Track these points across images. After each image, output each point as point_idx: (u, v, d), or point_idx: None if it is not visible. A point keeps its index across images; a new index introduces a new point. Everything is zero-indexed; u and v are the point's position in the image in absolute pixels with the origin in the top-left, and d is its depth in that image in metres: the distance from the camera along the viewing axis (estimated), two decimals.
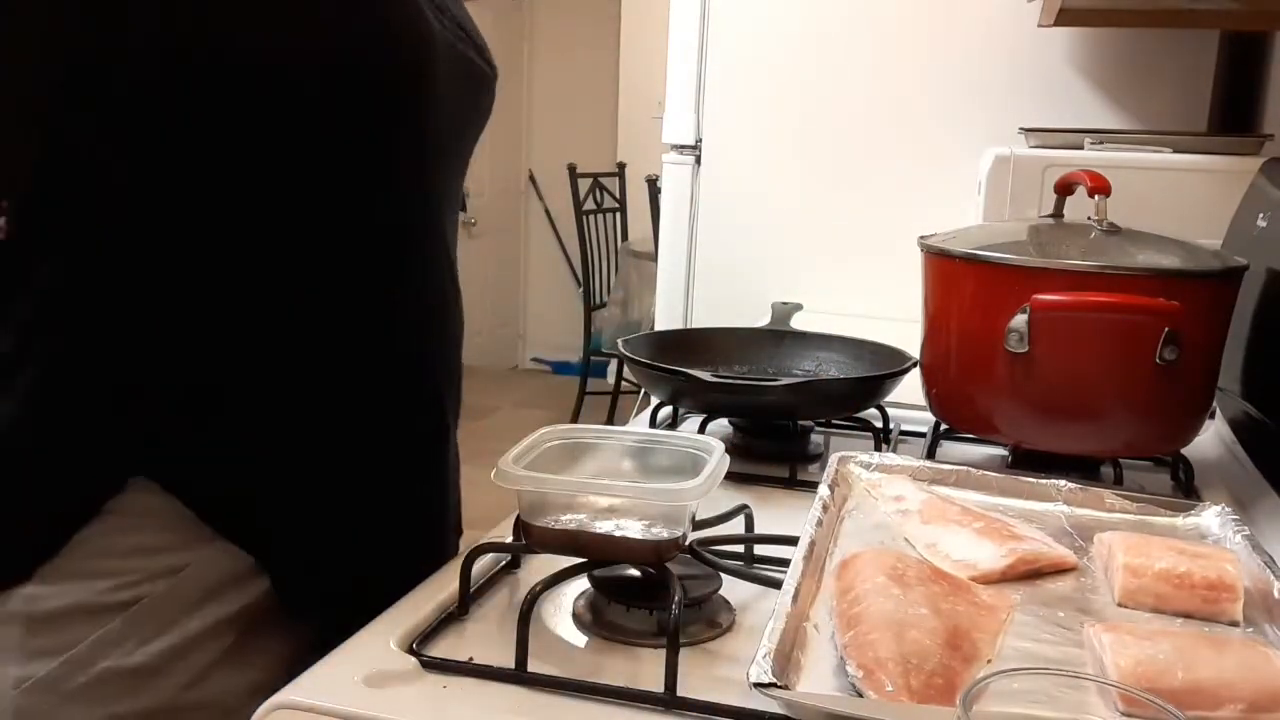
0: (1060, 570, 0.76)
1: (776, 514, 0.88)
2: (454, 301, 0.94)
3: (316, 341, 0.81)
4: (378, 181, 0.82)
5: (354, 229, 0.81)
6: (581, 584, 0.73)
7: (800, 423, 1.09)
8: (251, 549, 0.80)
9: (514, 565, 0.80)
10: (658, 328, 2.05)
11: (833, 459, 0.91)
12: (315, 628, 0.78)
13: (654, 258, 2.14)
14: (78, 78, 0.71)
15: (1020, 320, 0.93)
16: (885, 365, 1.12)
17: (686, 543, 0.72)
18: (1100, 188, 1.01)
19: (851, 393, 1.10)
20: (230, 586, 0.79)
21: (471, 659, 0.66)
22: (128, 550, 0.76)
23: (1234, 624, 0.69)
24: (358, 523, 0.85)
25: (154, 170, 0.73)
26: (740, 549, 0.81)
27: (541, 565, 0.78)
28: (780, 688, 0.57)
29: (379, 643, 0.68)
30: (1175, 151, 1.54)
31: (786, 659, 0.61)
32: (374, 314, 0.84)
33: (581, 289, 4.86)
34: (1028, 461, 1.01)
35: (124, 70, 0.71)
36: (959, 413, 1.05)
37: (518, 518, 0.74)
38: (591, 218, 4.72)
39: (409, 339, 0.88)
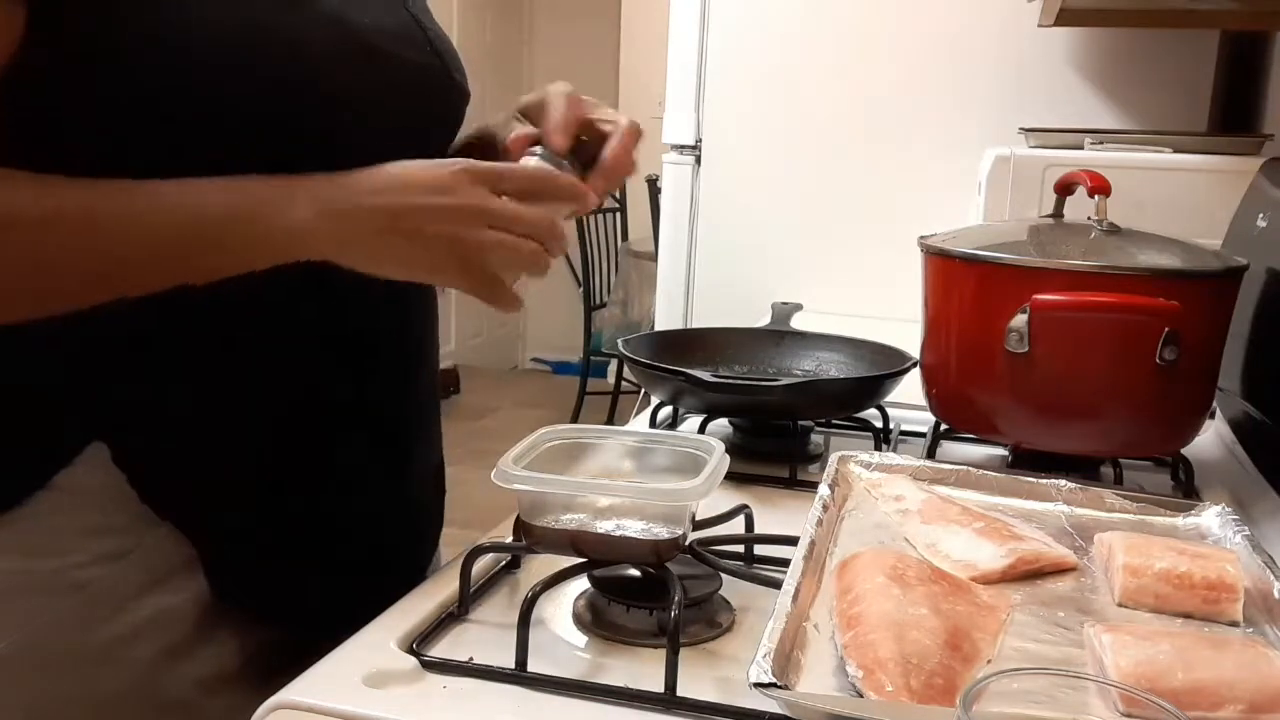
0: (1060, 570, 0.76)
1: (776, 514, 0.88)
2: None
3: (257, 318, 0.78)
4: None
5: None
6: (581, 584, 0.73)
7: (800, 423, 1.09)
8: (192, 535, 0.78)
9: (514, 565, 0.80)
10: (658, 328, 2.05)
11: (833, 459, 0.91)
12: (278, 626, 0.79)
13: (654, 258, 2.14)
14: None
15: (1020, 320, 0.93)
16: (885, 365, 1.12)
17: (686, 543, 0.72)
18: (1100, 188, 1.01)
19: (851, 393, 1.10)
20: (176, 575, 0.78)
21: (471, 659, 0.66)
22: (76, 530, 0.76)
23: (1234, 624, 0.69)
24: (298, 520, 0.83)
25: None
26: (740, 549, 0.81)
27: (541, 565, 0.78)
28: (780, 688, 0.57)
29: (379, 643, 0.68)
30: (1175, 151, 1.54)
31: (786, 659, 0.61)
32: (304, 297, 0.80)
33: (581, 289, 4.86)
34: (1028, 461, 1.01)
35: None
36: (959, 413, 1.05)
37: (518, 518, 0.74)
38: (591, 218, 4.71)
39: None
